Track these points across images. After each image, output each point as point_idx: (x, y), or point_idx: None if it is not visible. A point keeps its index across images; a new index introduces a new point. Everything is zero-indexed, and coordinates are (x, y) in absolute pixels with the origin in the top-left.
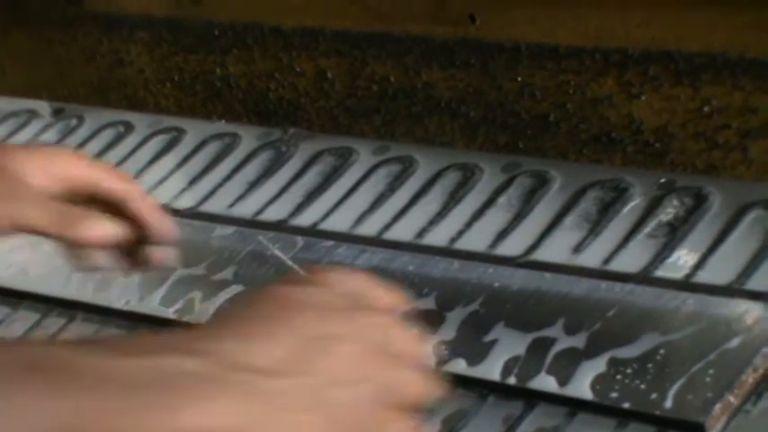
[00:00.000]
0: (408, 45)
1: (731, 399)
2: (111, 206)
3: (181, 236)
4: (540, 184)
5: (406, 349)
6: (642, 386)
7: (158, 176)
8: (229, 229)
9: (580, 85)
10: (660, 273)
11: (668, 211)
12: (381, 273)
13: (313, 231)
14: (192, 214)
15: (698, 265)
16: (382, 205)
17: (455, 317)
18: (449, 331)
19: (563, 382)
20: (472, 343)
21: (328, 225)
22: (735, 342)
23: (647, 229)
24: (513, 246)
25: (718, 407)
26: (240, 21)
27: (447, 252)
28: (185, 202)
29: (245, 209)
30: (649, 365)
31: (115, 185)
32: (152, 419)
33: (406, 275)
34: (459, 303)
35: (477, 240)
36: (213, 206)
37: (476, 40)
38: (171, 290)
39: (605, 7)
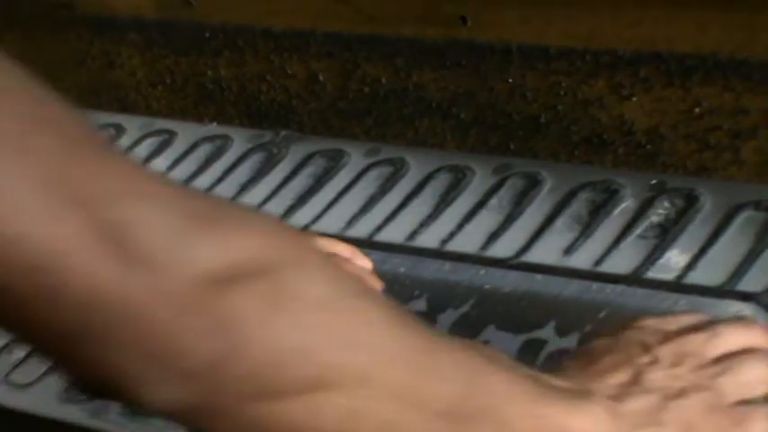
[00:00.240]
0: (399, 47)
1: None
2: None
3: None
4: (531, 185)
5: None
6: None
7: None
8: None
9: (571, 87)
10: (651, 274)
11: (659, 213)
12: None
13: (305, 233)
14: None
15: (689, 267)
16: (374, 207)
17: (446, 319)
18: None
19: None
20: None
21: (320, 227)
22: None
23: (639, 230)
24: (504, 247)
25: None
26: (231, 23)
27: (438, 254)
28: None
29: None
30: None
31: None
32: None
33: (397, 277)
34: (450, 305)
35: (468, 242)
36: None
37: (467, 42)
38: None
39: (596, 8)
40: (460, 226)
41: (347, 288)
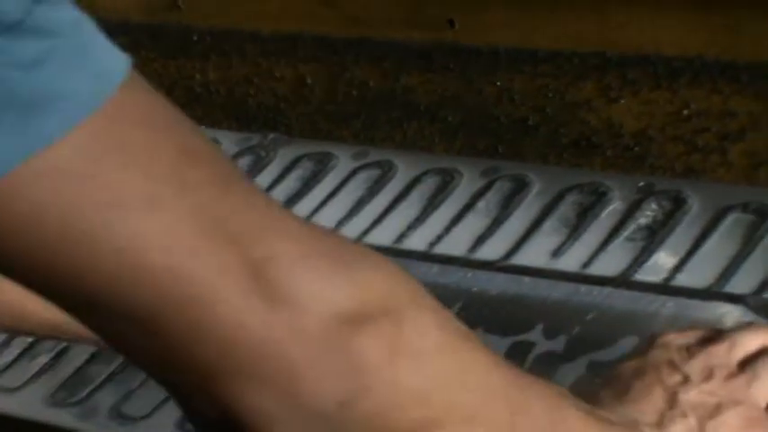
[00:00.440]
0: (387, 50)
1: None
2: None
3: None
4: (518, 188)
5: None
6: None
7: None
8: None
9: (559, 90)
10: (639, 276)
11: (647, 215)
12: None
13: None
14: None
15: (677, 269)
16: (361, 210)
17: None
18: None
19: None
20: None
21: None
22: None
23: (626, 232)
24: (492, 250)
25: None
26: (219, 26)
27: (426, 256)
28: None
29: None
30: None
31: None
32: None
33: None
34: None
35: (456, 245)
36: None
37: (454, 45)
38: None
39: (583, 11)
40: (448, 229)
41: (455, 330)
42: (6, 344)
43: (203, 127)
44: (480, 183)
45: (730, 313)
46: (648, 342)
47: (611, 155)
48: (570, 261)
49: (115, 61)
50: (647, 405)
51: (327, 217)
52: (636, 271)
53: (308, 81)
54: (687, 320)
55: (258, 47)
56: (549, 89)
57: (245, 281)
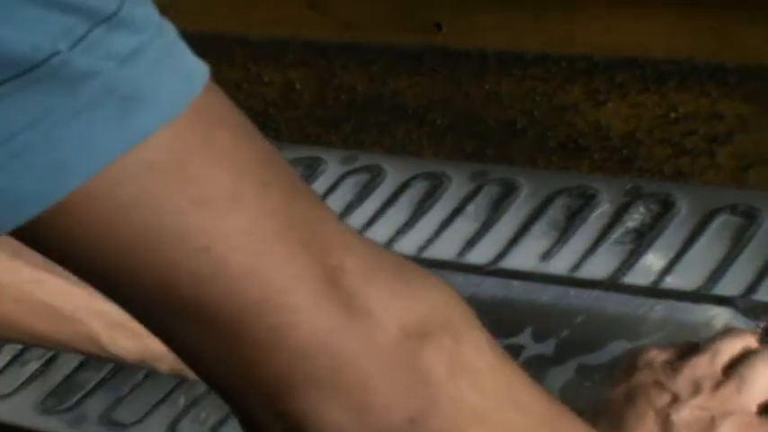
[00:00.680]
0: (375, 54)
1: None
2: None
3: None
4: (507, 192)
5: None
6: None
7: None
8: None
9: (547, 93)
10: (628, 279)
11: (635, 218)
12: None
13: None
14: None
15: (665, 271)
16: (350, 215)
17: None
18: None
19: None
20: None
21: None
22: None
23: (615, 235)
24: (481, 254)
25: None
26: (208, 31)
27: (415, 261)
28: None
29: None
30: None
31: None
32: None
33: None
34: None
35: (445, 249)
36: None
37: (442, 48)
38: None
39: (571, 15)
40: (437, 233)
41: (502, 351)
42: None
43: None
44: (469, 187)
45: (719, 316)
46: (629, 361)
47: (599, 158)
48: (559, 264)
49: (198, 64)
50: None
51: None
52: (625, 274)
53: (297, 86)
54: (676, 323)
55: (247, 52)
56: (537, 92)
57: (322, 288)
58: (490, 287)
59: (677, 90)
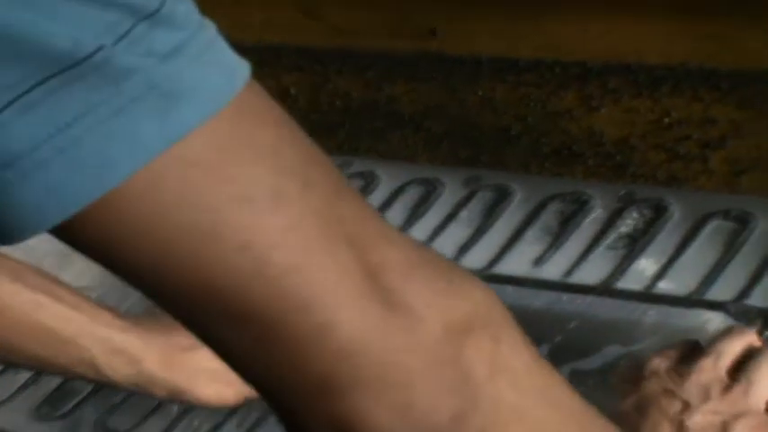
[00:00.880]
0: (370, 60)
1: None
2: None
3: None
4: (501, 197)
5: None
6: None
7: None
8: None
9: (541, 99)
10: (621, 284)
11: (628, 223)
12: None
13: None
14: None
15: (658, 276)
16: None
17: None
18: None
19: None
20: None
21: None
22: None
23: (608, 241)
24: (474, 259)
25: None
26: None
27: None
28: None
29: None
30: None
31: None
32: None
33: None
34: None
35: None
36: None
37: (437, 54)
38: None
39: (565, 21)
40: (431, 239)
41: (535, 348)
42: None
43: None
44: (463, 192)
45: (712, 320)
46: (632, 371)
47: (592, 163)
48: (552, 270)
49: (239, 61)
50: None
51: None
52: (618, 279)
53: (292, 92)
54: (669, 328)
55: (242, 57)
56: (530, 98)
57: (364, 285)
58: None
59: (670, 95)
